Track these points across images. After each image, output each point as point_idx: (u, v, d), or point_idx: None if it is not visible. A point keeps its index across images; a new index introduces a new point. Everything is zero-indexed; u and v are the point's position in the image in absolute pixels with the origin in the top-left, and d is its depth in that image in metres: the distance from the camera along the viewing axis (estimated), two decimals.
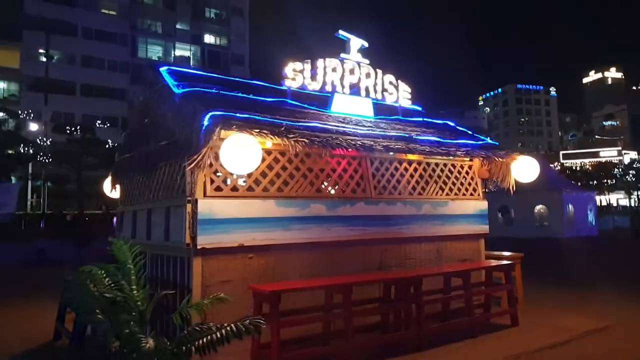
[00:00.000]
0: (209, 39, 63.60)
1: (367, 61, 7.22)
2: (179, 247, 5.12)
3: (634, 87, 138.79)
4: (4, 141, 35.30)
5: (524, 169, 7.23)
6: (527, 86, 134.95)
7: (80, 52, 52.91)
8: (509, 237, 24.39)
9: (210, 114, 4.79)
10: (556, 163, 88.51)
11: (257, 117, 5.06)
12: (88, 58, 53.25)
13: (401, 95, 7.54)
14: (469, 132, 8.09)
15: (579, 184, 55.72)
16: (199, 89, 5.68)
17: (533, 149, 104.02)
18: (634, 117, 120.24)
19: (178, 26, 60.74)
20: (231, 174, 5.20)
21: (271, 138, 4.89)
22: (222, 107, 5.02)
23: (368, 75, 7.13)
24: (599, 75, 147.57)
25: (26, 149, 37.97)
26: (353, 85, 6.96)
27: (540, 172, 26.71)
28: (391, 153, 6.48)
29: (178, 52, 60.31)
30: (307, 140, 5.12)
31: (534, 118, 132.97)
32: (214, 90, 5.73)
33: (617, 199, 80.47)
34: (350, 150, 5.83)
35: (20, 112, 42.49)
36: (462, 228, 7.29)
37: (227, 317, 3.83)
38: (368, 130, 6.32)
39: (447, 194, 7.27)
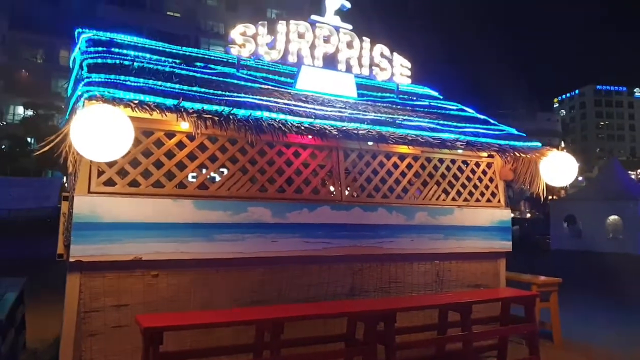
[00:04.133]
0: None
1: (350, 26, 5.66)
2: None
3: None
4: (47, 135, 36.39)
5: (557, 168, 5.38)
6: (608, 87, 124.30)
7: None
8: (576, 250, 21.56)
9: (87, 80, 3.54)
10: (638, 171, 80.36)
11: (156, 87, 3.73)
12: None
13: (397, 71, 5.89)
14: (491, 121, 6.28)
15: None
16: (115, 56, 4.42)
17: (614, 154, 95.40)
18: None
19: None
20: (133, 163, 3.91)
21: (158, 112, 3.52)
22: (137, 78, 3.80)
23: (350, 44, 5.58)
24: None
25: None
26: (328, 57, 5.44)
27: (615, 179, 23.51)
28: (370, 143, 4.93)
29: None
30: (218, 119, 3.70)
31: (615, 121, 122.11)
32: (129, 57, 4.45)
33: None
34: (305, 135, 4.37)
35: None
36: (473, 244, 5.54)
37: (122, 352, 3.16)
38: (336, 111, 4.79)
39: (454, 199, 5.56)
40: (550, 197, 30.70)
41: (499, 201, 5.85)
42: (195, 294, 4.10)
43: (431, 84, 7.57)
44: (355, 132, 4.55)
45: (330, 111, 4.80)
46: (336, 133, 4.42)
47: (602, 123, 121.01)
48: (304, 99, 5.00)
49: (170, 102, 3.55)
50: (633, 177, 67.49)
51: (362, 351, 4.05)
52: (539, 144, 5.73)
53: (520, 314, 5.14)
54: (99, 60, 4.14)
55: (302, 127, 4.26)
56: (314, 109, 4.73)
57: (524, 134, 6.05)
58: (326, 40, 5.39)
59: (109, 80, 3.58)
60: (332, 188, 5.08)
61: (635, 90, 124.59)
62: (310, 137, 4.51)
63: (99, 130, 3.09)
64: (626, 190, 23.88)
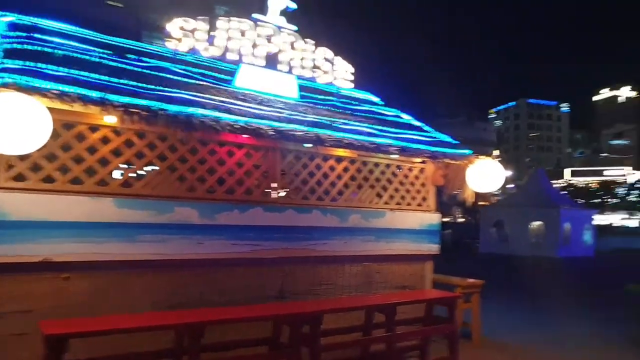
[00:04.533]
0: None
1: (294, 27, 5.64)
2: None
3: None
4: None
5: (484, 175, 5.63)
6: (540, 101, 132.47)
7: None
8: (503, 253, 22.74)
9: (1, 66, 3.29)
10: (561, 180, 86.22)
11: (80, 77, 3.53)
12: None
13: (339, 75, 5.93)
14: (426, 128, 6.47)
15: (582, 201, 53.60)
16: (37, 43, 4.13)
17: (542, 164, 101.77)
18: None
19: None
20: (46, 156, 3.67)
21: (80, 105, 3.32)
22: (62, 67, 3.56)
23: (293, 45, 5.55)
24: (612, 93, 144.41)
25: None
26: (270, 56, 5.39)
27: (540, 188, 24.93)
28: (308, 145, 4.92)
29: None
30: (146, 114, 3.55)
31: (545, 133, 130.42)
32: (53, 44, 4.18)
33: (621, 219, 77.89)
34: (240, 134, 4.31)
35: None
36: (403, 246, 5.69)
37: None
38: (274, 111, 4.76)
39: (387, 203, 5.68)
40: (482, 203, 32.23)
41: (429, 205, 6.04)
42: (112, 297, 3.89)
43: (374, 90, 7.68)
44: (293, 133, 4.53)
45: (268, 111, 4.75)
46: (273, 133, 4.38)
47: (532, 134, 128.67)
48: (242, 97, 4.91)
49: (94, 94, 3.36)
50: (557, 186, 72.39)
51: (286, 354, 4.04)
52: (469, 152, 5.96)
53: (445, 315, 5.33)
54: (18, 46, 3.84)
55: (237, 126, 4.18)
56: (251, 107, 4.66)
57: (458, 142, 6.27)
58: (269, 39, 5.33)
59: (27, 67, 3.34)
60: (270, 189, 5.03)
61: (562, 105, 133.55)
62: (245, 136, 4.45)
63: (10, 121, 2.86)
64: (549, 198, 25.57)
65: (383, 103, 7.38)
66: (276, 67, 5.43)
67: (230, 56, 5.11)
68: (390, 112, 6.76)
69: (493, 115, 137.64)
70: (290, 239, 4.82)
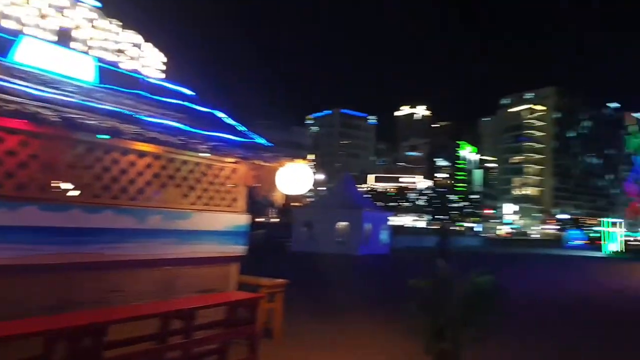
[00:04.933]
0: None
1: (99, 4, 5.02)
2: None
3: (435, 125, 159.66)
4: None
5: (293, 177, 5.81)
6: (352, 112, 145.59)
7: None
8: (312, 252, 24.16)
9: None
10: (366, 185, 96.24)
11: None
12: None
13: (148, 62, 5.51)
14: (240, 128, 6.42)
15: (381, 204, 60.61)
16: None
17: (351, 170, 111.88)
18: (431, 150, 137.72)
19: None
20: None
21: None
22: None
23: (94, 23, 4.93)
24: (410, 110, 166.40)
25: None
26: (63, 32, 4.69)
27: (347, 191, 27.08)
28: (102, 137, 4.39)
29: None
30: None
31: (355, 142, 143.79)
32: None
33: (412, 220, 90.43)
34: (13, 118, 3.60)
35: None
36: (208, 248, 5.52)
37: None
38: (61, 95, 4.13)
39: (193, 203, 5.44)
40: (295, 204, 33.87)
41: (239, 206, 5.99)
42: None
43: (191, 86, 7.32)
44: (83, 122, 4.00)
45: (54, 94, 4.12)
46: (56, 120, 3.79)
47: (344, 142, 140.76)
48: (21, 75, 4.16)
49: None
50: (361, 190, 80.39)
51: None
52: (280, 155, 6.08)
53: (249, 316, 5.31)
54: None
55: (9, 108, 3.51)
56: (30, 87, 3.97)
57: (271, 144, 6.35)
58: (61, 11, 4.62)
59: None
60: (50, 185, 4.34)
61: (370, 117, 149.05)
62: (21, 121, 3.76)
63: None
64: (354, 200, 28.19)
65: (197, 98, 7.11)
66: (69, 45, 4.75)
67: (9, 24, 4.29)
68: (204, 108, 6.52)
69: (310, 122, 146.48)
70: (75, 242, 4.24)
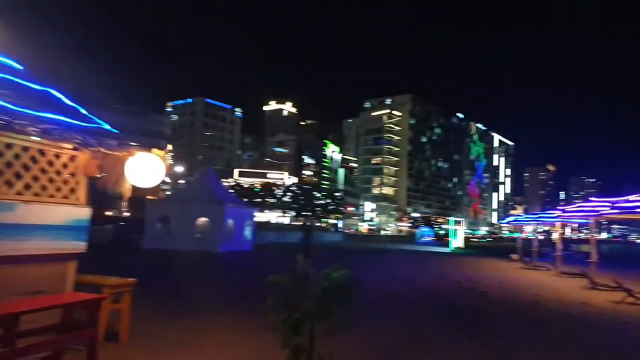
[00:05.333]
0: None
1: None
2: None
3: (302, 123, 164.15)
4: None
5: (144, 169, 5.52)
6: (217, 102, 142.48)
7: None
8: (168, 249, 23.14)
9: None
10: (231, 179, 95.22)
11: None
12: None
13: None
14: (82, 111, 5.88)
15: (246, 200, 60.51)
16: None
17: (215, 163, 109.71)
18: (298, 147, 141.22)
19: None
20: None
21: None
22: None
23: None
24: (278, 106, 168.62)
25: None
26: None
27: (208, 185, 26.50)
28: None
29: None
30: None
31: (219, 134, 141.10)
32: None
33: (276, 216, 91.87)
34: None
35: None
36: (39, 245, 4.98)
37: None
38: None
39: (20, 193, 4.86)
40: (150, 197, 32.14)
41: (78, 198, 5.50)
42: None
43: (29, 61, 6.48)
44: None
45: None
46: None
47: (207, 133, 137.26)
48: None
49: None
50: (226, 185, 79.37)
51: None
52: (129, 143, 5.72)
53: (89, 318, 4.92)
54: None
55: None
56: None
57: (118, 131, 5.92)
58: None
59: None
60: None
61: (237, 109, 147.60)
62: None
63: None
64: (216, 195, 27.66)
65: (28, 73, 6.34)
66: None
67: None
68: (36, 86, 5.84)
69: (170, 109, 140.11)
70: None
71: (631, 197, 13.38)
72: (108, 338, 5.96)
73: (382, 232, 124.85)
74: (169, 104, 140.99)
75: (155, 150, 5.96)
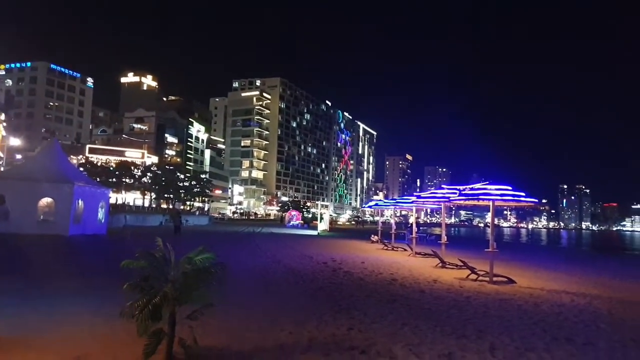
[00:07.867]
0: None
1: None
2: None
3: (164, 99, 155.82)
4: None
5: None
6: (64, 69, 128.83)
7: None
8: (3, 233, 20.69)
9: None
10: (81, 156, 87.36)
11: None
12: None
13: None
14: None
15: (100, 180, 56.18)
16: None
17: (61, 137, 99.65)
18: (160, 125, 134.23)
19: None
20: None
21: None
22: None
23: None
24: (137, 78, 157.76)
25: None
26: None
27: (53, 162, 24.20)
28: None
29: None
30: None
31: (66, 105, 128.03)
32: None
33: (134, 198, 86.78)
34: None
35: None
36: None
37: None
38: None
39: None
40: None
41: None
42: None
43: None
44: None
45: None
46: None
47: (52, 104, 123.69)
48: None
49: None
50: (75, 161, 72.77)
51: None
52: None
53: None
54: None
55: None
56: None
57: None
58: None
59: None
60: None
61: (88, 79, 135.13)
62: None
63: None
64: (63, 173, 25.25)
65: None
66: None
67: None
68: None
69: (2, 73, 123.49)
70: None
71: (476, 185, 15.20)
72: None
73: (251, 216, 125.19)
74: (2, 66, 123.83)
75: None
